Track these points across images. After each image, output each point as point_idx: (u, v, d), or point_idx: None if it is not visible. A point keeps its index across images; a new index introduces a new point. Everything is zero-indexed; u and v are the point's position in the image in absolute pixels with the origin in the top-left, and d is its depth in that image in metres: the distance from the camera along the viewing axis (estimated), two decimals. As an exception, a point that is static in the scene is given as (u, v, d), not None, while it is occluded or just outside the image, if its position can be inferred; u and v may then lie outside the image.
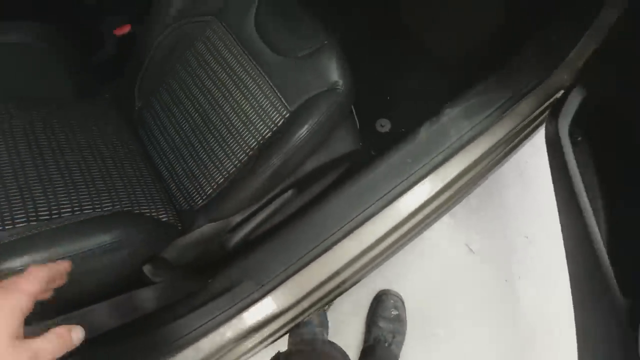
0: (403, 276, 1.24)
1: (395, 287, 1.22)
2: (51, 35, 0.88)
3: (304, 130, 0.70)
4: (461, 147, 0.85)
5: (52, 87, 0.89)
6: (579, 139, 0.75)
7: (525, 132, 0.92)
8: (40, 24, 0.88)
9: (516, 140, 0.92)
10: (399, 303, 1.23)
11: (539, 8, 0.98)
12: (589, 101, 0.74)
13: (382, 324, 1.20)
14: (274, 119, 0.76)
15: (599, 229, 0.67)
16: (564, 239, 0.76)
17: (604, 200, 0.72)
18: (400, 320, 1.21)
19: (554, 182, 0.77)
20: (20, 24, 0.86)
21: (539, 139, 0.87)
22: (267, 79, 0.78)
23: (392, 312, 1.21)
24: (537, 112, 0.88)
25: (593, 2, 0.79)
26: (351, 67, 0.79)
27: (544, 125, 0.90)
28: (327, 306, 1.23)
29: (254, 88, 0.79)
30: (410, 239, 0.94)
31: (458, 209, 1.24)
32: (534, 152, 1.23)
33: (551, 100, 0.90)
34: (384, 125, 1.11)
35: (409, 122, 0.87)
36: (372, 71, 1.17)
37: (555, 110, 0.75)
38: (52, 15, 0.93)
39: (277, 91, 0.77)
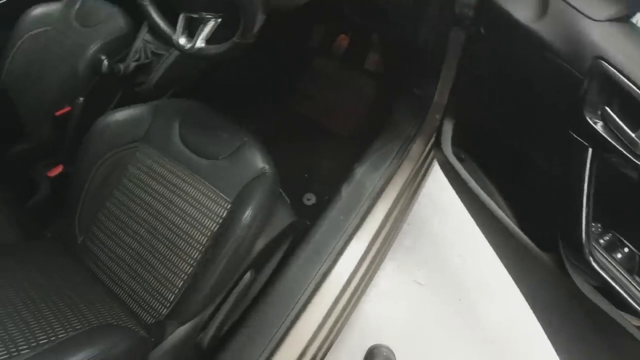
0: (374, 327, 1.31)
1: (372, 340, 1.28)
2: None
3: (248, 213, 0.81)
4: (379, 194, 1.01)
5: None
6: (463, 156, 0.95)
7: (424, 168, 1.11)
8: None
9: (419, 177, 1.10)
10: (392, 356, 1.28)
11: (398, 77, 1.25)
12: (458, 127, 0.95)
13: None
14: (219, 212, 0.86)
15: (504, 211, 0.85)
16: (482, 231, 0.92)
17: (499, 191, 0.90)
18: None
19: (457, 194, 0.94)
20: None
21: (439, 173, 1.06)
22: (203, 180, 0.89)
23: None
24: (427, 150, 1.09)
25: (435, 60, 1.04)
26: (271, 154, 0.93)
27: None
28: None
29: (193, 192, 0.89)
30: (368, 282, 1.04)
31: (397, 254, 1.39)
32: (441, 186, 1.45)
33: (433, 138, 1.12)
34: (310, 199, 1.29)
35: (329, 190, 1.03)
36: (289, 156, 1.35)
37: (437, 141, 0.96)
38: None
39: (214, 189, 0.87)
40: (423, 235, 1.43)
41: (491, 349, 1.28)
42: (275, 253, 0.94)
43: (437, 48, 0.99)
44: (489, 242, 0.91)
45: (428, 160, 1.11)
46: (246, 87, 1.39)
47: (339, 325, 1.01)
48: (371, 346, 1.30)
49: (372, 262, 1.03)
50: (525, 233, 0.81)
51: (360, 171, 1.01)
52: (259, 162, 0.88)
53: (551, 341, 0.86)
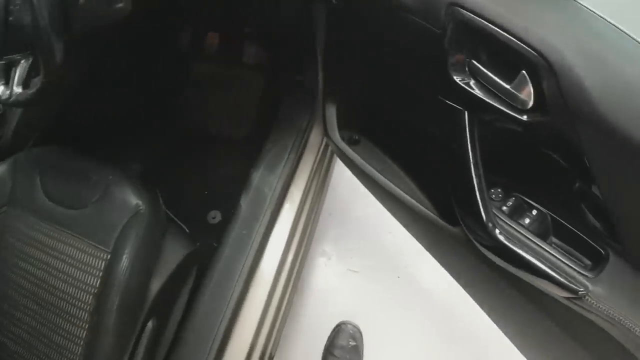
0: (317, 328, 1.27)
1: (319, 341, 1.23)
2: None
3: (124, 259, 0.74)
4: (282, 195, 0.94)
5: None
6: (356, 137, 0.89)
7: (327, 157, 1.05)
8: None
9: (324, 166, 1.04)
10: (358, 335, 1.24)
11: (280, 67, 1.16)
12: (342, 109, 0.89)
13: (337, 353, 1.19)
14: (97, 265, 0.78)
15: (406, 191, 0.79)
16: (388, 210, 0.86)
17: (401, 168, 0.85)
18: (357, 353, 1.22)
19: (357, 178, 0.89)
20: None
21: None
22: (75, 235, 0.80)
23: (350, 343, 1.21)
24: (325, 141, 1.02)
25: (306, 41, 0.96)
26: (161, 182, 0.85)
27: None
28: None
29: (67, 249, 0.80)
30: (296, 285, 0.98)
31: (325, 246, 1.35)
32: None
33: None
34: (215, 217, 1.19)
35: (233, 204, 0.95)
36: (185, 175, 1.25)
37: (325, 129, 0.89)
38: None
39: (89, 241, 0.79)
40: (348, 222, 1.39)
41: (439, 318, 1.27)
42: (180, 290, 0.87)
43: (303, 27, 0.91)
44: (398, 220, 0.86)
45: (329, 151, 1.05)
46: (123, 114, 1.26)
47: (274, 337, 0.95)
48: (339, 322, 1.27)
49: (293, 265, 0.97)
50: (434, 209, 0.76)
51: (256, 176, 0.94)
52: (131, 199, 0.79)
53: (484, 311, 0.83)
